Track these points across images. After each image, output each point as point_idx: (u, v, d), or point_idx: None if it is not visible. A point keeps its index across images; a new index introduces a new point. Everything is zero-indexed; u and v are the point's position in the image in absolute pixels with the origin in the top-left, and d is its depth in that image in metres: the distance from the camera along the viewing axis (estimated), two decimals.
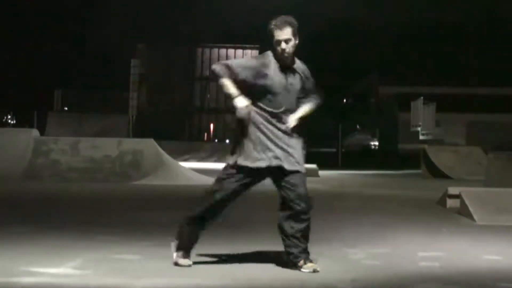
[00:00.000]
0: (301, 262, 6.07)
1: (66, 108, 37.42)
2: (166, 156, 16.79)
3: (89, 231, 8.08)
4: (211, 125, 35.75)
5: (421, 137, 30.32)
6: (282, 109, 6.13)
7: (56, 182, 15.10)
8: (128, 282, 5.62)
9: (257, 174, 6.15)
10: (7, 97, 51.32)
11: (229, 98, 6.14)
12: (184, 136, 33.07)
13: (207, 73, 34.90)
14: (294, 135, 6.17)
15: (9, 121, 58.86)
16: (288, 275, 5.97)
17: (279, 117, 6.13)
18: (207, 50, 35.70)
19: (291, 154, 6.12)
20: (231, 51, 35.00)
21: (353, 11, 47.02)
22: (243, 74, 6.10)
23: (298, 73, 6.25)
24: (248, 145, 6.12)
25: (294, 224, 6.09)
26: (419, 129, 30.63)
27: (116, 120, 33.07)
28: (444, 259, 6.93)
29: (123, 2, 46.94)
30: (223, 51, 35.24)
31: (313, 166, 20.34)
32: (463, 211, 10.38)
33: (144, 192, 13.49)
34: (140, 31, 41.18)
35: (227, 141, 32.62)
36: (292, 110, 6.18)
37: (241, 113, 6.04)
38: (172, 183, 15.15)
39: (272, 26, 6.17)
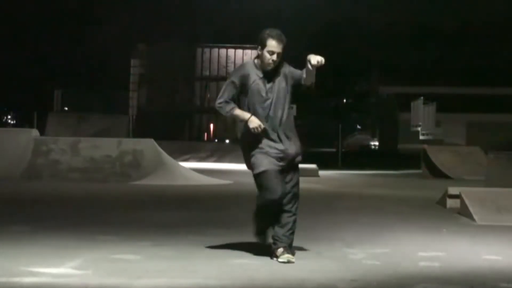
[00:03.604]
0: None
1: (66, 108, 37.36)
2: (166, 156, 16.76)
3: (89, 231, 8.08)
4: (211, 125, 35.71)
5: (421, 137, 30.33)
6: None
7: (56, 182, 15.08)
8: (128, 282, 5.62)
9: None
10: (7, 97, 51.31)
11: (242, 121, 6.52)
12: (184, 136, 32.99)
13: (207, 73, 34.87)
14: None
15: (9, 121, 58.88)
16: (288, 275, 5.97)
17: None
18: (207, 50, 35.62)
19: None
20: (231, 51, 34.93)
21: (353, 11, 47.02)
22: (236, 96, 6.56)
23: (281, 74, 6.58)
24: None
25: None
26: (419, 129, 30.65)
27: (116, 120, 32.99)
28: (444, 259, 6.93)
29: (123, 2, 46.94)
30: (223, 51, 35.16)
31: (313, 166, 20.33)
32: (463, 211, 10.38)
33: (144, 192, 13.48)
34: (140, 31, 41.15)
35: (227, 141, 32.58)
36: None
37: (256, 131, 6.46)
38: (172, 183, 15.13)
39: (266, 35, 6.45)
